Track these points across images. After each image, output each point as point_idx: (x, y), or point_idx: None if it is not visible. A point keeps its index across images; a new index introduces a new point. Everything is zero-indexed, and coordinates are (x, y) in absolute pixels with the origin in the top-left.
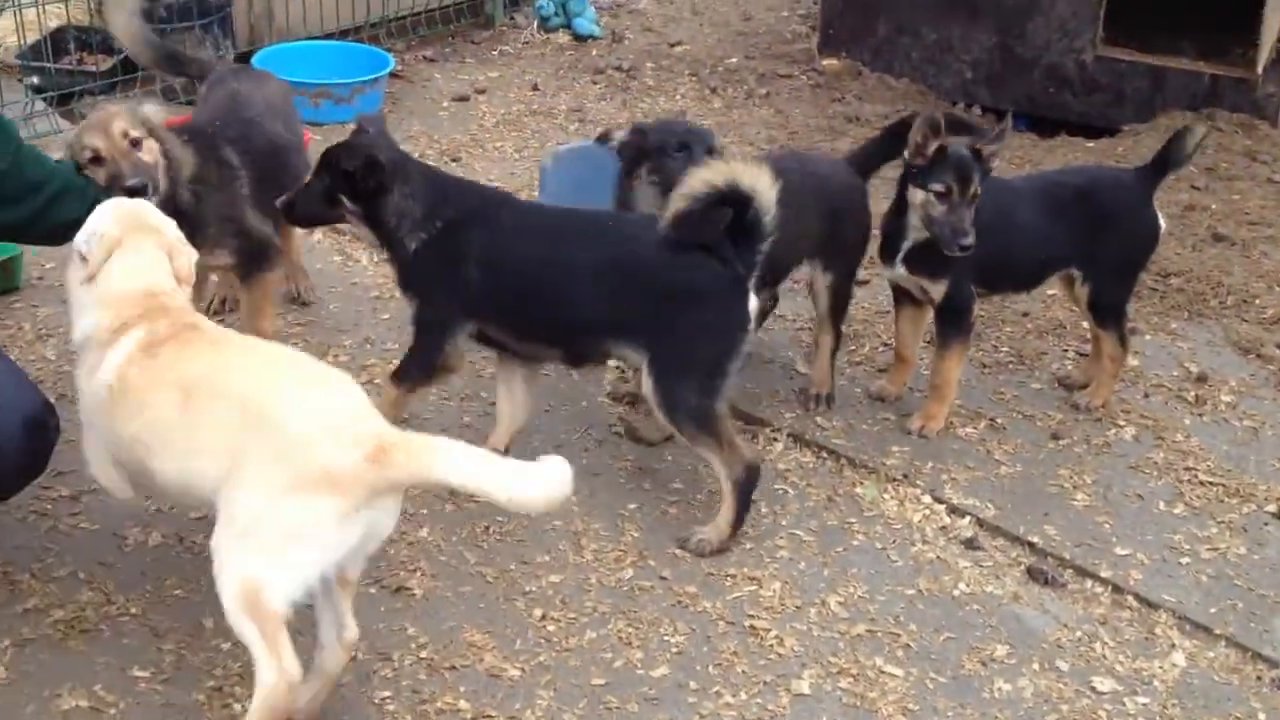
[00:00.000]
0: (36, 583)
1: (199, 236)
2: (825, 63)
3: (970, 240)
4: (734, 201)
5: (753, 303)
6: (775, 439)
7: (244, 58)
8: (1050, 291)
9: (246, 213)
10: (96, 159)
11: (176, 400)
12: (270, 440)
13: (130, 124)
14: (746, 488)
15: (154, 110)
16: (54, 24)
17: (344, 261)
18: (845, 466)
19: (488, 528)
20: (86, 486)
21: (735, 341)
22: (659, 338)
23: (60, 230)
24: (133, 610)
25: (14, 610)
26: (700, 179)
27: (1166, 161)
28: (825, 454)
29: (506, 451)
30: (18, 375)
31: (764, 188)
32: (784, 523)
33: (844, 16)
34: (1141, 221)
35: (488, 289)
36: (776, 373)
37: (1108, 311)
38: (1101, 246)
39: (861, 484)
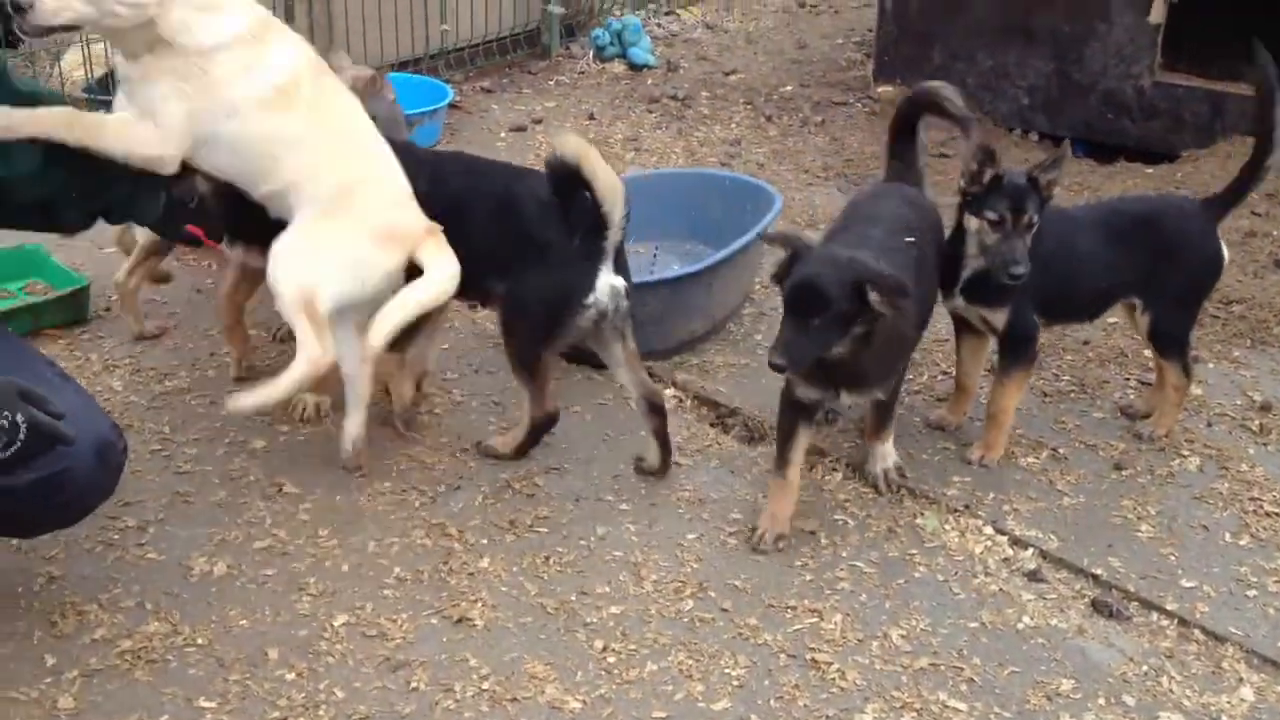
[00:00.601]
0: (104, 613)
1: None
2: (880, 90)
3: (1022, 269)
4: (578, 182)
5: (602, 279)
6: (834, 469)
7: None
8: (1111, 319)
9: None
10: None
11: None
12: (378, 191)
13: None
14: (541, 427)
15: None
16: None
17: None
18: (906, 497)
19: (547, 558)
20: (153, 516)
21: (570, 306)
22: (515, 279)
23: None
24: (199, 640)
25: (82, 641)
26: (561, 147)
27: (1235, 194)
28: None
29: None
30: (87, 400)
31: (601, 177)
32: (844, 554)
33: (899, 44)
34: (1205, 251)
35: None
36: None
37: (1170, 341)
38: (1164, 276)
39: (922, 515)
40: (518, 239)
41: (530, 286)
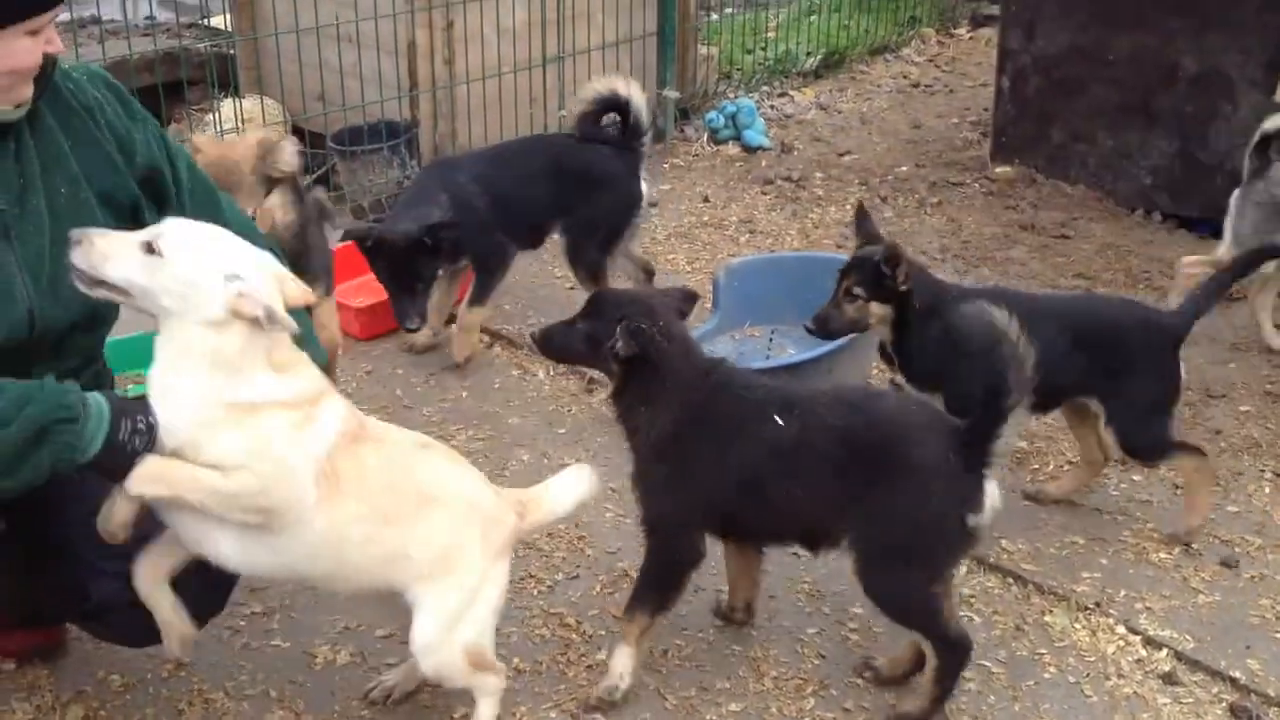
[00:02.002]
0: (229, 701)
1: None
2: (998, 170)
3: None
4: (615, 107)
5: (643, 186)
6: None
7: None
8: (1243, 407)
9: None
10: None
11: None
12: (475, 523)
13: None
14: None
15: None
16: None
17: (521, 376)
18: (1033, 593)
19: (666, 651)
20: (278, 604)
21: (629, 213)
22: (574, 212)
23: None
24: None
25: None
26: (588, 88)
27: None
28: (1012, 579)
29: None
30: None
31: (636, 95)
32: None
33: (1017, 124)
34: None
35: None
36: None
37: (1148, 450)
38: (1124, 385)
39: (1051, 612)
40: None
41: (587, 212)
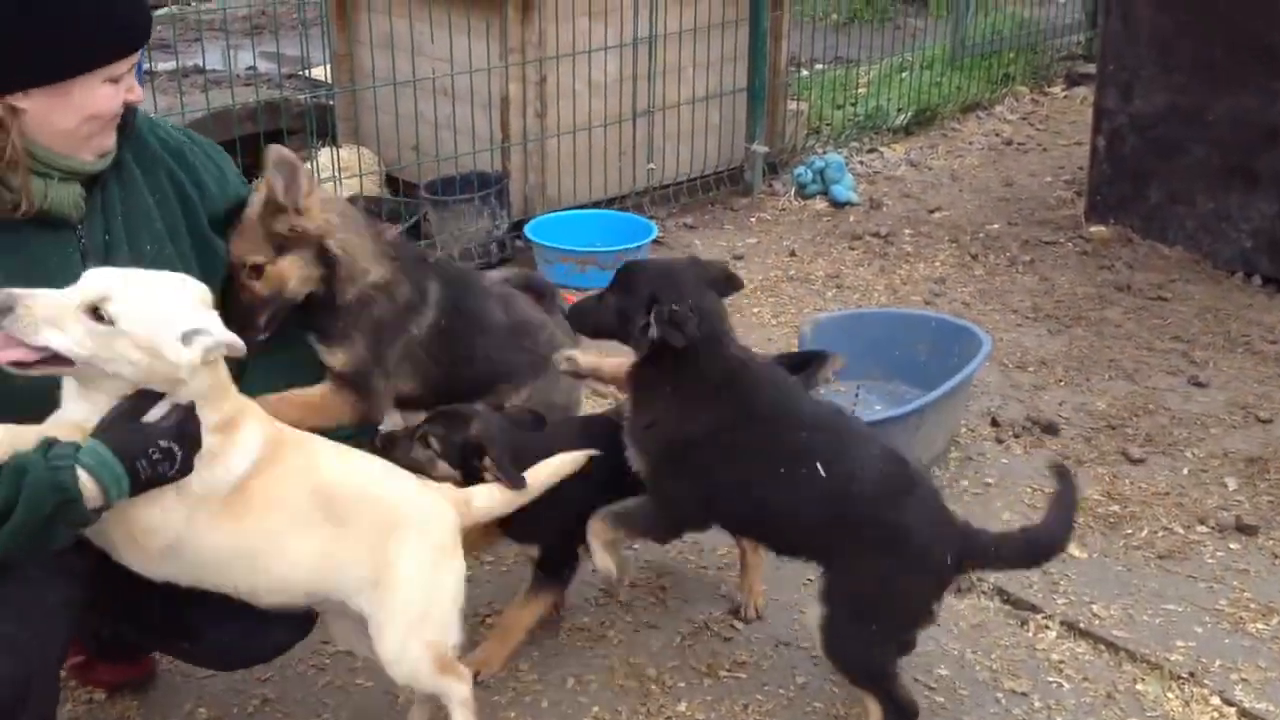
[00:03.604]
0: None
1: None
2: (1093, 230)
3: None
4: None
5: None
6: (1047, 626)
7: (517, 226)
8: None
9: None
10: None
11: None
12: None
13: None
14: None
15: None
16: (346, 195)
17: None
18: (1125, 660)
19: (746, 705)
20: None
21: None
22: None
23: None
24: None
25: None
26: None
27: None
28: (1103, 646)
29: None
30: None
31: None
32: (1059, 719)
33: (1113, 183)
34: None
35: None
36: None
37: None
38: None
39: (1143, 680)
40: None
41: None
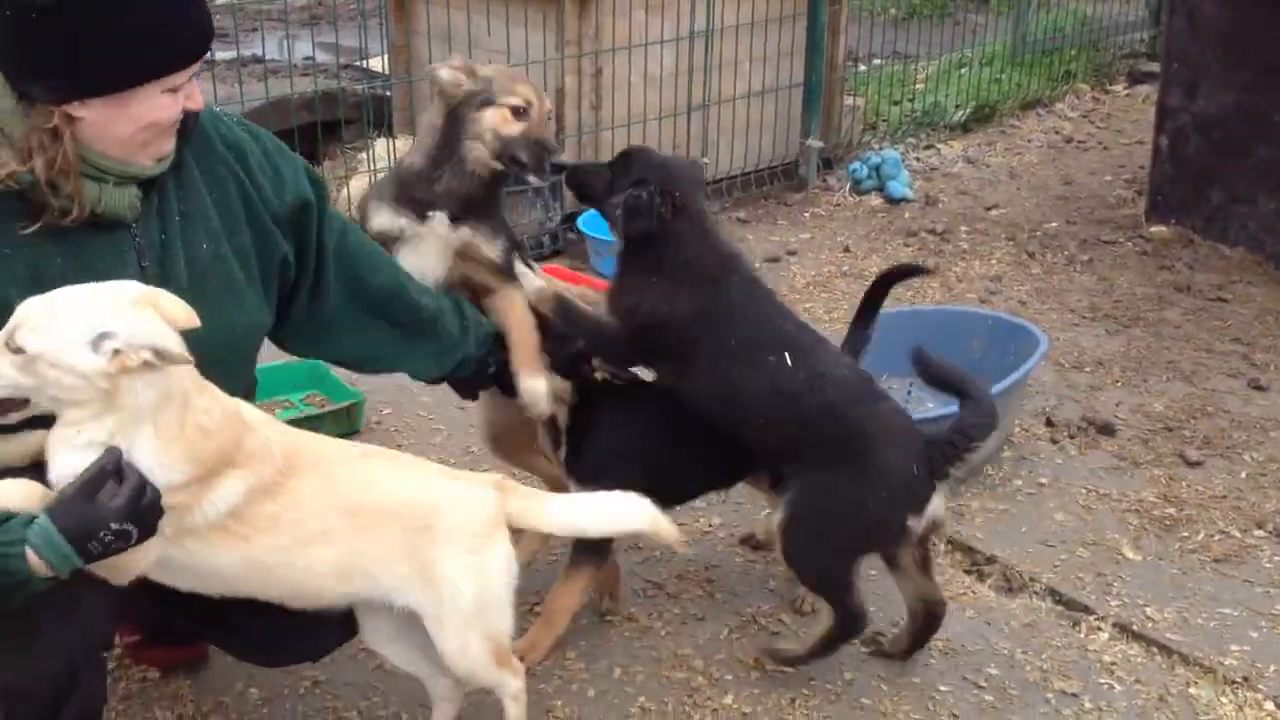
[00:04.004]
0: None
1: None
2: (1153, 230)
3: None
4: None
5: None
6: (1099, 628)
7: (569, 219)
8: None
9: None
10: (522, 111)
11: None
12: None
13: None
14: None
15: None
16: None
17: None
18: (1178, 663)
19: (793, 700)
20: None
21: None
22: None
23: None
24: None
25: None
26: None
27: None
28: (1156, 648)
29: None
30: None
31: None
32: None
33: (1175, 183)
34: None
35: None
36: (1101, 554)
37: None
38: None
39: (1196, 684)
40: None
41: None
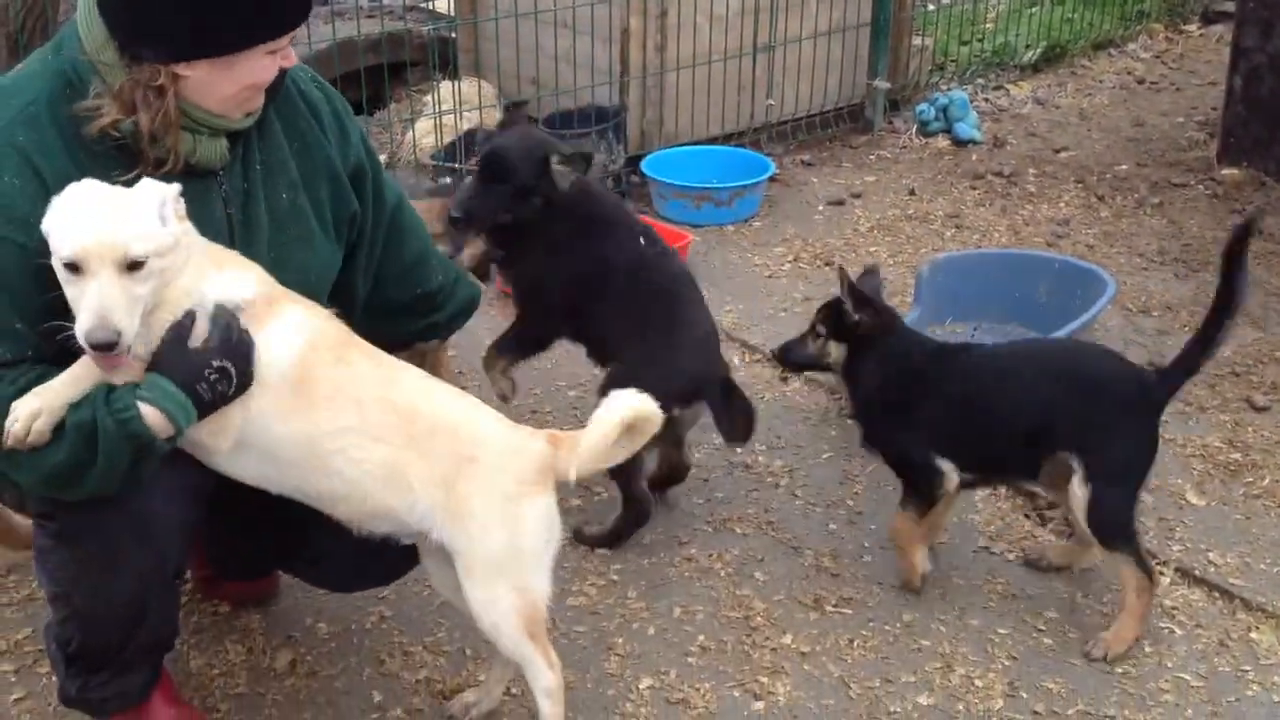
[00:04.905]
0: (428, 655)
1: None
2: (1225, 172)
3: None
4: None
5: None
6: (1161, 572)
7: (633, 161)
8: None
9: None
10: None
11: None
12: (486, 454)
13: None
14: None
15: None
16: (466, 127)
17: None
18: (1239, 608)
19: (851, 640)
20: None
21: None
22: None
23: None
24: (512, 691)
25: (408, 680)
26: None
27: (1187, 370)
28: (1218, 593)
29: None
30: None
31: None
32: (1169, 665)
33: (1248, 125)
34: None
35: None
36: (1164, 499)
37: (1112, 527)
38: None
39: (1258, 629)
40: None
41: None
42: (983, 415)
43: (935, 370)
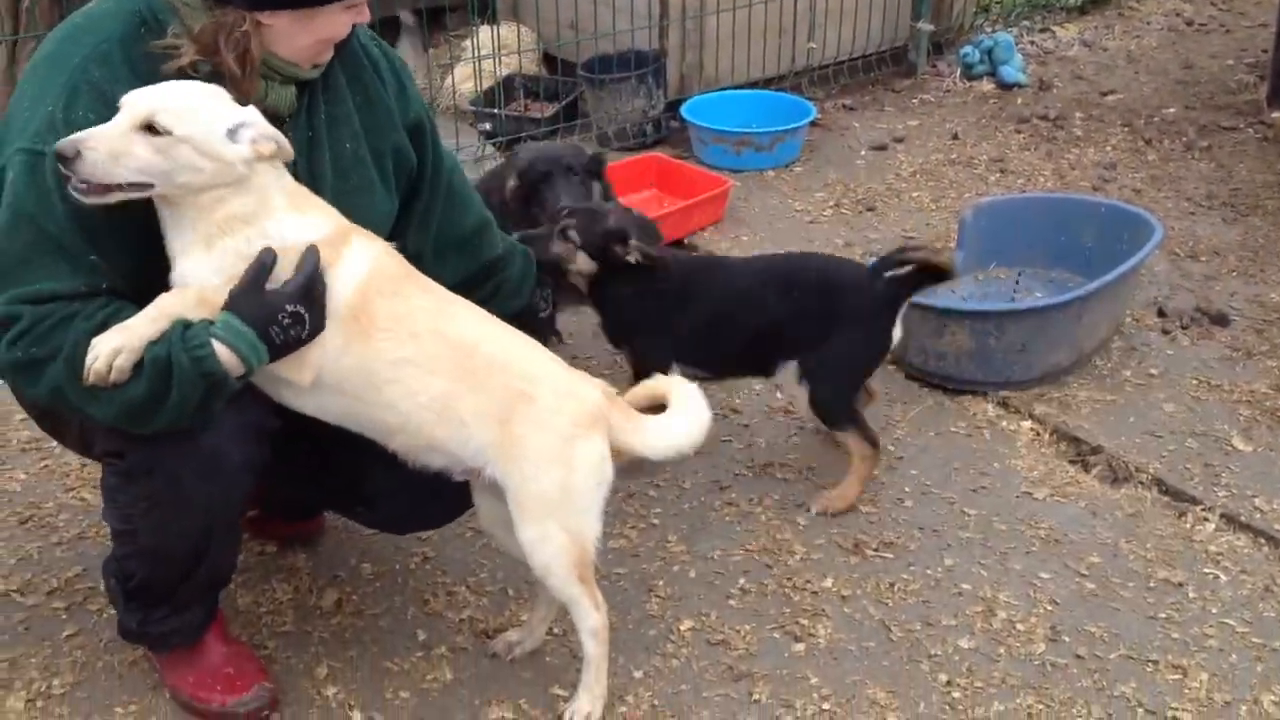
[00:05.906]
0: (471, 595)
1: None
2: (1274, 115)
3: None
4: None
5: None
6: (1206, 518)
7: (673, 106)
8: None
9: None
10: None
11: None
12: (541, 394)
13: None
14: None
15: None
16: (505, 73)
17: None
18: None
19: (892, 584)
20: None
21: None
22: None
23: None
24: (555, 630)
25: (451, 619)
26: None
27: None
28: (1263, 539)
29: None
30: None
31: None
32: (1214, 610)
33: None
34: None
35: None
36: (1210, 445)
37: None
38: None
39: None
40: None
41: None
42: (726, 327)
43: (682, 289)
